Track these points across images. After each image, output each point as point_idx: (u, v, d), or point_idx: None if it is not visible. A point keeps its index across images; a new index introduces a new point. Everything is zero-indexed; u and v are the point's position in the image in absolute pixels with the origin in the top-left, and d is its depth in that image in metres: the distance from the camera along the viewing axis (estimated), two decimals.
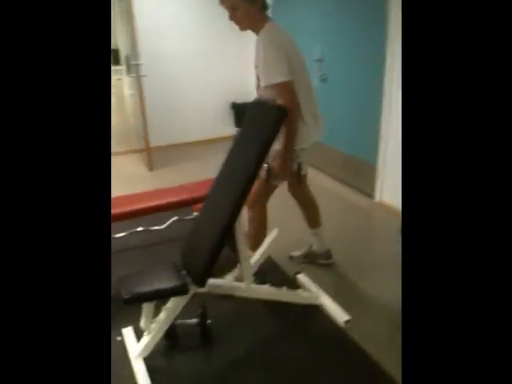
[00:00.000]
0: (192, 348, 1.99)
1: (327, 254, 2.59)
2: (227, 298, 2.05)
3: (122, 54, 9.72)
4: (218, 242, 1.70)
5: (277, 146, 1.94)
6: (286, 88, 1.87)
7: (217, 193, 1.87)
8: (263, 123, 1.71)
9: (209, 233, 1.77)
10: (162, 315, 1.83)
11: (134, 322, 2.04)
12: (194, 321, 2.00)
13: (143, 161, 4.75)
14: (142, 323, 1.84)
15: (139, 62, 4.16)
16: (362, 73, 3.45)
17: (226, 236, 1.73)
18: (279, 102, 1.84)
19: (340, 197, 3.69)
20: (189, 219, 3.07)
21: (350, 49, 3.56)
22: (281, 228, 2.32)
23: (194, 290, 1.77)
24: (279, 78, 1.86)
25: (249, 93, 5.31)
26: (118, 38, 9.61)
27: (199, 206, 2.89)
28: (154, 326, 1.83)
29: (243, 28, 2.02)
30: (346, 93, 3.68)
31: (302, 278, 2.42)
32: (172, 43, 4.90)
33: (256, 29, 1.98)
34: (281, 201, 2.53)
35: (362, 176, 3.66)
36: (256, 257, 2.11)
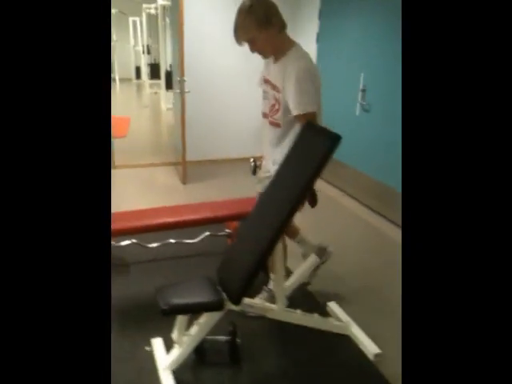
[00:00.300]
0: (219, 365, 1.99)
1: (320, 251, 2.21)
2: (257, 318, 2.05)
3: (162, 68, 10.05)
4: (258, 262, 1.71)
5: (278, 155, 1.96)
6: (312, 117, 1.87)
7: (260, 213, 1.89)
8: (316, 149, 1.72)
9: (249, 252, 1.78)
10: (195, 329, 1.84)
11: (164, 333, 2.06)
12: (223, 338, 2.00)
13: (177, 173, 4.85)
14: (174, 335, 1.85)
15: (184, 78, 4.28)
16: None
17: (267, 258, 1.74)
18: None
19: (369, 224, 3.66)
20: (221, 235, 3.09)
21: (394, 77, 3.57)
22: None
23: (228, 306, 1.78)
24: (311, 108, 1.85)
25: None
26: (161, 52, 9.95)
27: (233, 223, 2.93)
28: (185, 339, 1.84)
29: (267, 56, 1.96)
30: (387, 123, 3.68)
31: (333, 306, 2.39)
32: (216, 60, 5.03)
33: (279, 52, 1.90)
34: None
35: (394, 205, 3.62)
36: (291, 280, 2.10)
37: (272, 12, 1.81)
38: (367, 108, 3.90)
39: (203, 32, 4.90)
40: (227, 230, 3.06)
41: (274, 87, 1.93)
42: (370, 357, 2.05)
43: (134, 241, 2.94)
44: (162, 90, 10.18)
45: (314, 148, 1.72)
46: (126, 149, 5.66)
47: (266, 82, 2.01)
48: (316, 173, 1.68)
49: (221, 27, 4.96)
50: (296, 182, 1.72)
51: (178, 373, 1.85)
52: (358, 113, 4.01)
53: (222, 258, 1.95)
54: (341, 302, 2.44)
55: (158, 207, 2.91)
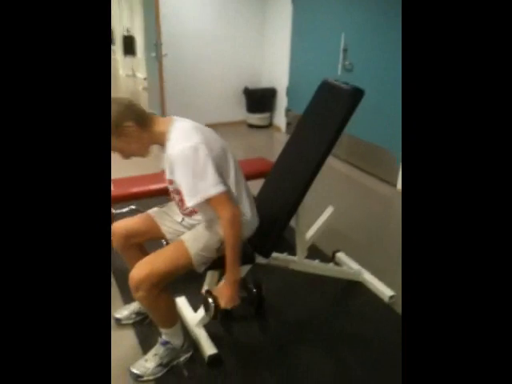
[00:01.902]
0: (246, 318, 2.05)
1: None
2: (274, 273, 2.11)
3: (118, 32, 9.59)
4: (286, 218, 1.76)
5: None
6: (221, 198, 1.45)
7: (283, 170, 1.92)
8: (337, 105, 1.76)
9: (277, 209, 1.83)
10: None
11: (186, 292, 2.09)
12: (249, 291, 2.06)
13: None
14: (204, 291, 1.89)
15: (160, 42, 4.13)
16: (387, 61, 3.54)
17: (294, 213, 1.79)
18: (222, 214, 1.46)
19: (362, 184, 3.79)
20: None
21: (375, 37, 3.63)
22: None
23: (258, 260, 1.83)
24: (214, 190, 1.43)
25: (261, 79, 5.36)
26: (114, 16, 9.43)
27: None
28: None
29: (142, 154, 1.55)
30: (370, 82, 3.75)
31: (342, 256, 2.50)
32: (190, 25, 4.87)
33: (160, 142, 1.51)
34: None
35: (383, 164, 3.76)
36: (311, 232, 2.17)
37: (123, 115, 1.44)
38: (349, 68, 3.95)
39: None
40: None
41: (169, 180, 1.58)
42: (385, 299, 2.19)
43: (132, 207, 2.89)
44: (119, 56, 9.78)
45: (335, 104, 1.77)
46: None
47: (169, 182, 1.61)
48: (343, 125, 1.73)
49: None
50: (321, 138, 1.77)
51: (207, 327, 1.90)
52: (339, 73, 4.06)
53: None
54: (348, 253, 2.55)
55: (122, 178, 2.73)
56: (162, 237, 1.79)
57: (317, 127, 1.85)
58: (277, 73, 5.06)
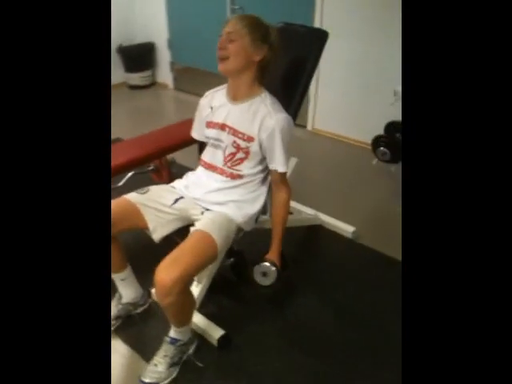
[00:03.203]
0: (233, 290, 1.98)
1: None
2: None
3: None
4: None
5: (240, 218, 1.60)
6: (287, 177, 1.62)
7: None
8: (303, 48, 1.68)
9: None
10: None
11: None
12: (230, 260, 1.96)
13: None
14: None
15: None
16: (278, 3, 3.49)
17: None
18: (283, 191, 1.59)
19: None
20: (146, 172, 2.81)
21: None
22: None
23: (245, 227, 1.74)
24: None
25: (136, 34, 4.84)
26: None
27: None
28: (203, 273, 1.75)
29: (228, 67, 1.49)
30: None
31: (294, 204, 2.52)
32: None
33: (244, 88, 1.55)
34: None
35: None
36: None
37: (268, 46, 1.48)
38: (239, 12, 3.79)
39: None
40: (151, 166, 2.80)
41: (240, 134, 1.55)
42: (348, 235, 2.31)
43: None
44: None
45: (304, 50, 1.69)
46: None
47: (222, 127, 1.58)
48: (312, 71, 1.67)
49: None
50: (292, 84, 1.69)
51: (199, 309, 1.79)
52: (228, 15, 3.88)
53: None
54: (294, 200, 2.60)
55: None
56: (143, 226, 1.56)
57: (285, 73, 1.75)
58: (153, 25, 4.61)
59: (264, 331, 1.77)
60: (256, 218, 1.70)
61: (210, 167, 1.64)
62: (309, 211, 2.44)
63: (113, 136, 3.06)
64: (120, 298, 1.75)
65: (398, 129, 2.71)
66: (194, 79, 4.69)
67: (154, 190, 1.63)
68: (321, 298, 1.94)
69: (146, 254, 1.90)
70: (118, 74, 4.88)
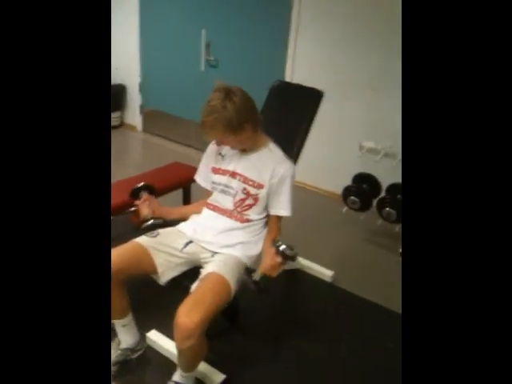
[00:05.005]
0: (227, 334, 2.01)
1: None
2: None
3: None
4: None
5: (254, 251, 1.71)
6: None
7: None
8: (301, 106, 1.87)
9: None
10: None
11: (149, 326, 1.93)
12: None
13: None
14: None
15: None
16: (253, 57, 3.75)
17: None
18: (276, 233, 1.71)
19: None
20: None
21: (240, 33, 3.78)
22: None
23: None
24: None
25: None
26: None
27: None
28: None
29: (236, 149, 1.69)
30: (237, 78, 3.89)
31: None
32: None
33: (250, 146, 1.69)
34: None
35: None
36: None
37: (246, 117, 1.54)
38: (214, 64, 4.00)
39: None
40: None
41: (251, 182, 1.66)
42: (327, 279, 2.44)
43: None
44: None
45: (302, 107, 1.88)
46: None
47: (233, 174, 1.69)
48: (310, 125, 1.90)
49: None
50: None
51: None
52: (203, 68, 4.07)
53: None
54: None
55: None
56: (151, 271, 1.59)
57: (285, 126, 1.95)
58: (126, 68, 4.71)
59: (263, 373, 1.83)
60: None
61: (219, 210, 1.72)
62: None
63: None
64: (119, 343, 1.73)
65: (364, 180, 2.97)
66: (163, 123, 4.79)
67: (164, 233, 1.68)
68: (310, 339, 2.03)
69: (141, 296, 1.92)
70: None
